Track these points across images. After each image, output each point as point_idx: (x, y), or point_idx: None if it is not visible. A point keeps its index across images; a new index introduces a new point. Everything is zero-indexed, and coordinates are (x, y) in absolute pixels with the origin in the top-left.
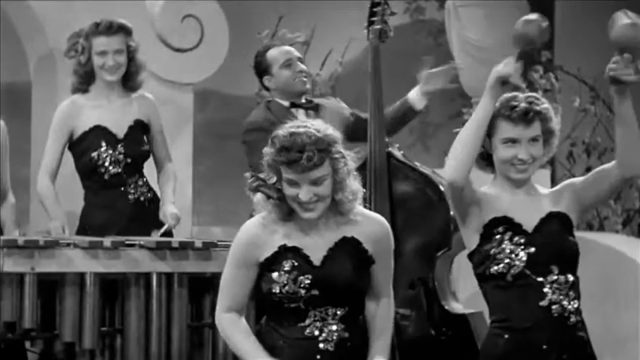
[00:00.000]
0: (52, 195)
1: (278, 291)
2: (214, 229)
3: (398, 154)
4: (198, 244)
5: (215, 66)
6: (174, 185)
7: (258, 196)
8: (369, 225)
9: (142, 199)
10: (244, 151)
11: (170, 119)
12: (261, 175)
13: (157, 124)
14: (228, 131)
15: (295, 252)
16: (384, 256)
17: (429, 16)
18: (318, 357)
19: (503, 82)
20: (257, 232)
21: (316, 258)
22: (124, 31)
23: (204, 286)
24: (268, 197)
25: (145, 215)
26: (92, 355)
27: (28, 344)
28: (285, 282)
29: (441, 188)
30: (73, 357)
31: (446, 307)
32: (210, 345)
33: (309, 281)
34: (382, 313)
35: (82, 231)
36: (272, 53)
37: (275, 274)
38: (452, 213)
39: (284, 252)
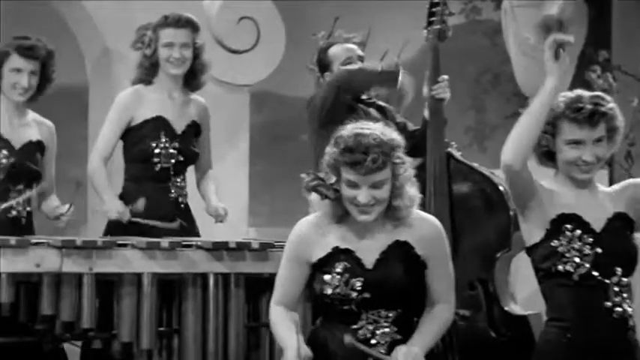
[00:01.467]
0: (104, 177)
1: (330, 292)
2: (270, 230)
3: (457, 154)
4: (255, 244)
5: (271, 67)
6: (215, 186)
7: (314, 195)
8: (423, 227)
9: (179, 199)
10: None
11: (226, 120)
12: (320, 175)
13: (207, 130)
14: (283, 132)
15: (348, 254)
16: (439, 259)
17: (486, 16)
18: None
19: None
20: (309, 231)
21: (368, 261)
22: (192, 26)
23: (260, 287)
24: (325, 197)
25: (179, 216)
26: (149, 355)
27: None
28: (337, 284)
29: (501, 189)
30: (130, 357)
31: (506, 309)
32: (267, 345)
33: (360, 284)
34: (435, 315)
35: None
36: (334, 50)
37: (327, 276)
38: (512, 213)
39: (337, 254)
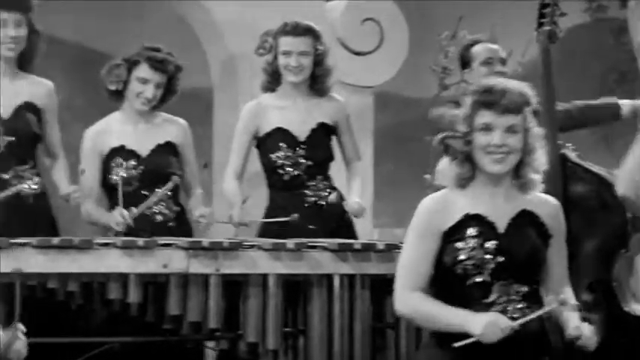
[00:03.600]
0: (237, 194)
1: (464, 257)
2: (395, 231)
3: (572, 155)
4: (380, 245)
5: (395, 68)
6: (360, 183)
7: (441, 165)
8: (544, 204)
9: (319, 202)
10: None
11: (351, 122)
12: (450, 132)
13: (344, 125)
14: (407, 133)
15: (479, 219)
16: (561, 236)
17: (611, 14)
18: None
19: None
20: (437, 202)
21: (500, 225)
22: (312, 34)
23: (386, 288)
24: (455, 156)
25: (320, 217)
26: (275, 356)
27: (212, 344)
28: (472, 247)
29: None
30: (256, 357)
31: (626, 310)
32: (392, 346)
33: (494, 247)
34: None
35: (263, 231)
36: (477, 48)
37: (459, 243)
38: (629, 215)
39: (467, 220)
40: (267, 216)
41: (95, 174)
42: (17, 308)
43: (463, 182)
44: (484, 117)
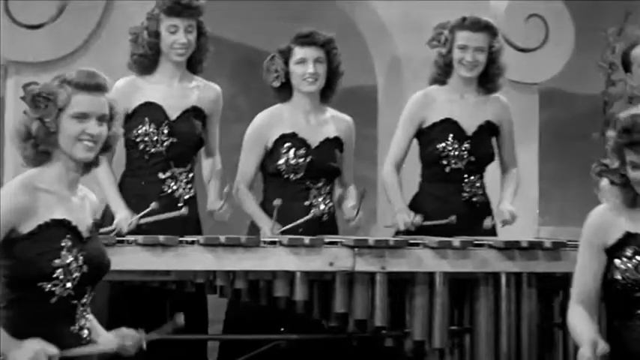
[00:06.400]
0: (395, 185)
1: (619, 278)
2: (561, 230)
3: None
4: (547, 244)
5: (560, 65)
6: (514, 190)
7: (604, 182)
8: None
9: (474, 199)
10: None
11: (515, 119)
12: (605, 161)
13: (507, 128)
14: (573, 130)
15: (637, 239)
16: None
17: None
18: None
19: None
20: (603, 216)
21: None
22: (490, 30)
23: (553, 286)
24: (612, 182)
25: (473, 216)
26: (441, 354)
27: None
28: (626, 268)
29: None
30: (422, 355)
31: None
32: (560, 346)
33: None
34: None
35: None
36: (636, 51)
37: (617, 260)
38: None
39: (627, 238)
40: (416, 203)
41: (256, 162)
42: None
43: (627, 202)
44: (630, 155)
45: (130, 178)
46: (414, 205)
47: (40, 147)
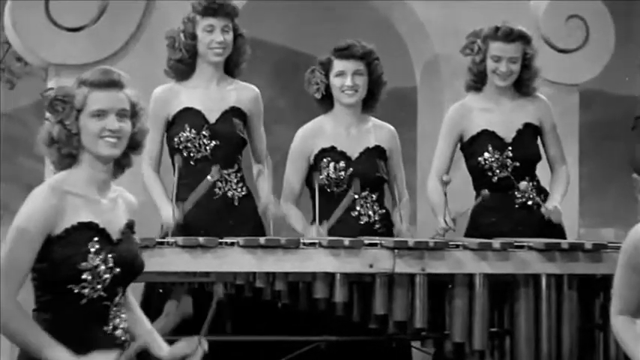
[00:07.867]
0: (438, 195)
1: None
2: (603, 231)
3: None
4: (588, 245)
5: (600, 66)
6: (565, 188)
7: None
8: None
9: (529, 203)
10: None
11: (556, 121)
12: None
13: (549, 125)
14: (613, 132)
15: None
16: None
17: None
18: None
19: None
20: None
21: None
22: (523, 39)
23: (594, 288)
24: None
25: (529, 220)
26: (481, 356)
27: (418, 344)
28: None
29: None
30: (462, 357)
31: None
32: (601, 347)
33: None
34: None
35: (472, 229)
36: None
37: None
38: None
39: None
40: (476, 215)
41: (301, 176)
42: (208, 319)
43: None
44: None
45: (182, 187)
46: (476, 218)
47: (64, 150)
